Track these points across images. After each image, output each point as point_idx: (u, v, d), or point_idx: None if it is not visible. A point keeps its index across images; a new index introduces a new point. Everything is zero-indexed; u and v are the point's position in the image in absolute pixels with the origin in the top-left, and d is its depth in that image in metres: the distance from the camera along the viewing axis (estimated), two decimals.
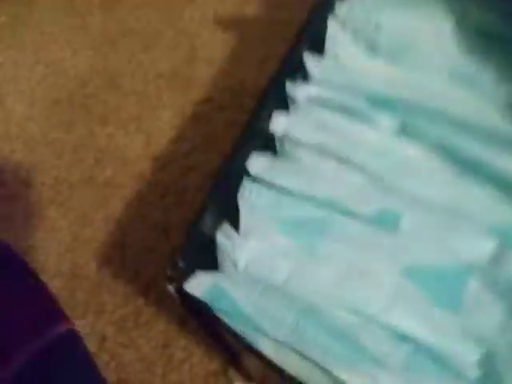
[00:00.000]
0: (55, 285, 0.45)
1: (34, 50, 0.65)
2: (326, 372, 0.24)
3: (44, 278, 0.46)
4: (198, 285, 0.25)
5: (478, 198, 0.27)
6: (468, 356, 0.24)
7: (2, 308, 0.30)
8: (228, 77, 0.57)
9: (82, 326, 0.43)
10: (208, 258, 0.26)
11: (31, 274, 0.34)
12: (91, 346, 0.42)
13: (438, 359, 0.24)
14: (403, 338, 0.25)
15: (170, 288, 0.24)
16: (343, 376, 0.23)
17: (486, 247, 0.27)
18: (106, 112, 0.57)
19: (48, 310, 0.32)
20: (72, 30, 0.67)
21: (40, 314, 0.31)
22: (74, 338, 0.31)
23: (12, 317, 0.30)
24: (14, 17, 0.70)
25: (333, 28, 0.33)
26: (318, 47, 0.33)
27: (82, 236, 0.49)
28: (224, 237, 0.26)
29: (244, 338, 0.24)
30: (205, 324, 0.29)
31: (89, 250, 0.48)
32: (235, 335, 0.24)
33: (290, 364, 0.24)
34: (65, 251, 0.48)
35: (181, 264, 0.24)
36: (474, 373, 0.24)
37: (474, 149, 0.28)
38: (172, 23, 0.64)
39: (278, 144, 0.30)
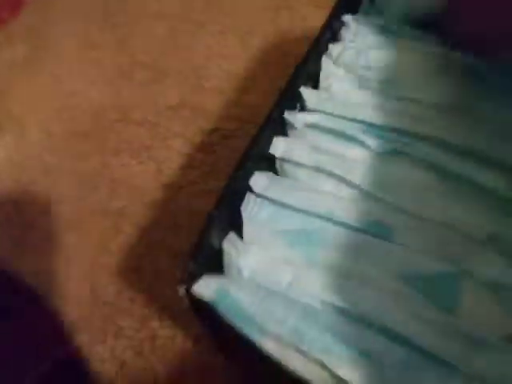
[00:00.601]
0: (75, 310, 0.47)
1: (52, 83, 0.69)
2: (328, 370, 0.25)
3: (64, 303, 0.49)
4: (206, 287, 0.27)
5: (466, 211, 0.30)
6: (466, 355, 0.26)
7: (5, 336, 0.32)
8: (234, 106, 0.60)
9: (102, 351, 0.45)
10: (215, 265, 0.28)
11: (37, 299, 0.35)
12: (111, 370, 0.44)
13: (436, 358, 0.26)
14: (401, 339, 0.26)
15: (180, 289, 0.26)
16: (346, 375, 0.25)
17: (480, 256, 0.28)
18: (120, 143, 0.60)
19: (49, 336, 0.33)
20: (87, 63, 0.71)
21: (41, 341, 0.32)
22: (73, 364, 0.32)
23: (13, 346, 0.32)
24: (33, 49, 0.74)
25: (326, 65, 0.37)
26: (314, 82, 0.36)
27: (99, 263, 0.51)
28: (230, 245, 0.29)
29: (248, 338, 0.26)
30: (212, 330, 0.31)
31: (106, 275, 0.50)
32: (239, 335, 0.26)
33: (292, 362, 0.26)
34: (83, 278, 0.50)
35: (190, 268, 0.26)
36: (473, 370, 0.25)
37: (462, 168, 0.30)
38: (179, 56, 0.67)
39: (277, 165, 0.33)
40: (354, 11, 0.41)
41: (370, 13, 0.41)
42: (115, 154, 0.60)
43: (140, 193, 0.56)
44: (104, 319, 0.47)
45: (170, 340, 0.45)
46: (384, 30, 0.39)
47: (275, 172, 0.33)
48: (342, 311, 0.27)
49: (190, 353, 0.44)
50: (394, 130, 0.33)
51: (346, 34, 0.39)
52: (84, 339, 0.46)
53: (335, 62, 0.37)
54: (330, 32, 0.38)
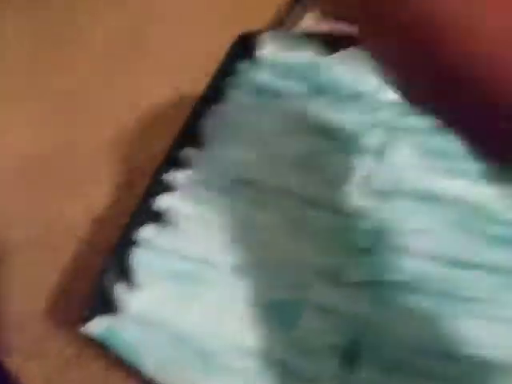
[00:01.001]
0: (5, 337, 0.53)
1: None
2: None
3: None
4: (96, 327, 0.34)
5: (306, 250, 0.38)
6: (301, 361, 0.34)
7: None
8: (149, 147, 0.64)
9: (29, 368, 0.51)
10: (110, 307, 0.35)
11: None
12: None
13: (278, 365, 0.34)
14: (254, 352, 0.34)
15: (79, 330, 0.33)
16: None
17: (316, 285, 0.37)
18: (50, 185, 0.66)
19: None
20: (11, 112, 0.74)
21: None
22: None
23: None
24: None
25: (209, 126, 0.45)
26: (198, 141, 0.44)
27: (30, 293, 0.56)
28: (120, 290, 0.36)
29: (134, 366, 0.33)
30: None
31: (35, 305, 0.55)
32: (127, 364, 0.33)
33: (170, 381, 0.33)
34: (14, 310, 0.55)
35: (86, 311, 0.33)
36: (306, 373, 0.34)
37: (302, 212, 0.39)
38: (95, 105, 0.72)
39: (164, 217, 0.41)
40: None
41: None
42: (46, 195, 0.65)
43: (70, 228, 0.61)
44: (32, 342, 0.53)
45: (94, 356, 0.49)
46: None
47: (162, 222, 0.41)
48: (211, 336, 0.35)
49: (112, 369, 0.50)
50: (256, 181, 0.41)
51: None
52: (14, 360, 0.52)
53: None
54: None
